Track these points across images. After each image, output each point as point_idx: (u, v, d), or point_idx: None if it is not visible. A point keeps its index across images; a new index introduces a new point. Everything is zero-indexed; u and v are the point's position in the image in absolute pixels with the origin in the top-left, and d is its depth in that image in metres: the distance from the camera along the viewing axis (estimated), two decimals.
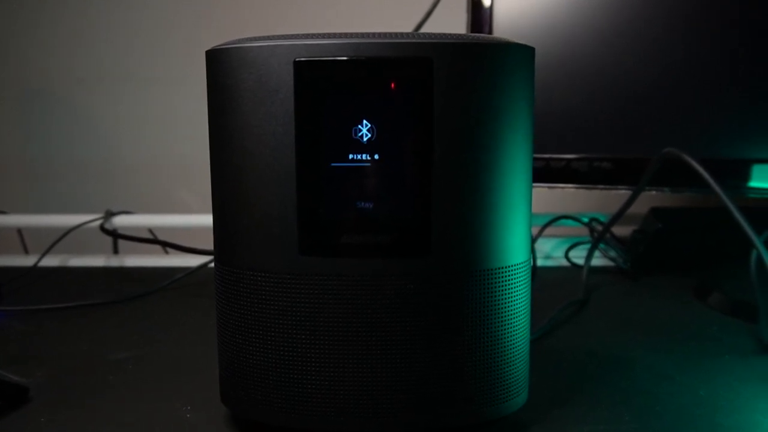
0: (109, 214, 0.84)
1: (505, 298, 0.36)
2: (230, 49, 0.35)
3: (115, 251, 0.88)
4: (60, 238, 0.80)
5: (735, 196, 0.65)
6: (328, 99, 0.34)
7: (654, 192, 0.67)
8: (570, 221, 0.79)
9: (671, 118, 0.66)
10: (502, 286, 0.36)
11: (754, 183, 0.66)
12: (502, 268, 0.36)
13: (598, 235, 0.71)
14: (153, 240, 0.78)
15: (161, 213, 0.90)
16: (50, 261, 0.82)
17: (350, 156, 0.34)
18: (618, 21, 0.67)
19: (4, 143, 1.09)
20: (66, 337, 0.55)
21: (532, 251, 0.72)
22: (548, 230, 0.81)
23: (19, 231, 0.90)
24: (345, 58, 0.33)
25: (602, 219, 0.79)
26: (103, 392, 0.44)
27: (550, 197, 0.93)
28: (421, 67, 0.33)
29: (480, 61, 0.34)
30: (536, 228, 0.79)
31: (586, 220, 0.78)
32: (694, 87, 0.65)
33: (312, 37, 0.34)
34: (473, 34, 0.35)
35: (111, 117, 1.08)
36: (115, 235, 0.79)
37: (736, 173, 0.66)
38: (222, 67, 0.35)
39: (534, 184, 0.70)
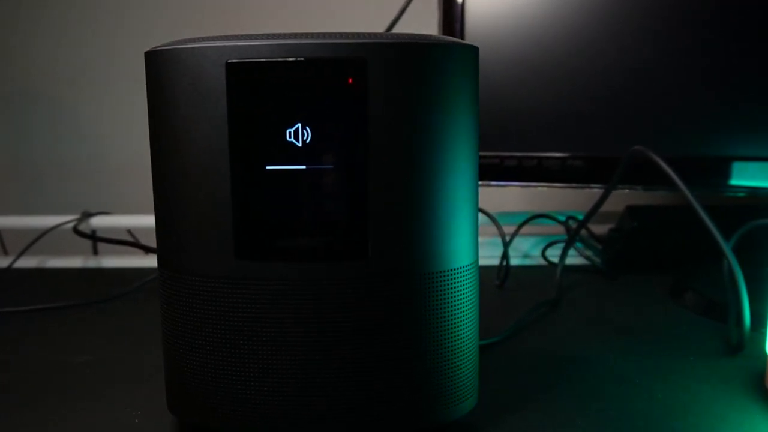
0: (86, 215, 0.84)
1: (450, 302, 0.36)
2: (163, 51, 0.34)
3: (95, 252, 0.88)
4: (36, 240, 0.80)
5: (712, 195, 0.64)
6: (261, 101, 0.33)
7: (627, 191, 0.66)
8: (548, 220, 0.79)
9: (646, 116, 0.65)
10: (447, 289, 0.36)
11: (733, 181, 0.65)
12: (446, 271, 0.36)
13: (572, 233, 0.70)
14: (122, 241, 0.77)
15: (141, 213, 0.90)
16: (28, 262, 0.82)
17: (285, 159, 0.33)
18: (592, 18, 0.66)
19: None
20: (31, 340, 0.55)
21: (504, 251, 0.71)
22: (526, 229, 0.80)
23: None
24: (277, 60, 0.33)
25: (580, 218, 0.78)
26: (58, 397, 0.44)
27: (528, 196, 0.93)
28: (355, 67, 0.32)
29: (416, 61, 0.33)
30: (512, 227, 0.78)
31: (563, 218, 0.77)
32: (670, 84, 0.64)
33: (245, 38, 0.33)
34: (412, 34, 0.34)
35: (95, 117, 1.08)
36: (88, 236, 0.78)
37: (714, 171, 0.65)
38: (157, 69, 0.35)
39: (506, 183, 0.69)
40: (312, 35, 0.33)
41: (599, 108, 0.65)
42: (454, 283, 0.36)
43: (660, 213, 0.73)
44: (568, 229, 0.77)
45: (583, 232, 0.79)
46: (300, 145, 0.33)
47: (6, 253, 0.90)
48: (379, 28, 0.77)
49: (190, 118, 0.34)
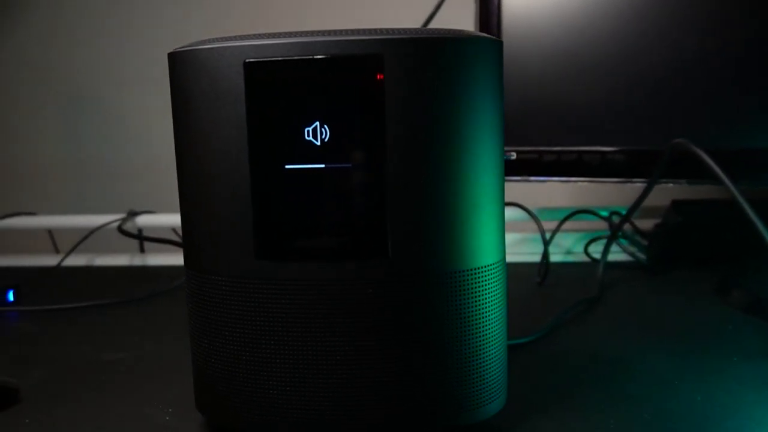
0: (132, 214, 0.85)
1: (475, 301, 0.35)
2: (183, 53, 0.34)
3: (141, 250, 0.90)
4: (84, 238, 0.83)
5: (760, 189, 0.62)
6: (279, 100, 0.33)
7: (671, 185, 0.64)
8: (590, 216, 0.77)
9: (689, 108, 0.63)
10: (471, 288, 0.35)
11: None
12: (470, 270, 0.35)
13: (614, 228, 0.68)
14: (165, 240, 0.79)
15: None
16: (77, 260, 0.84)
17: (303, 158, 0.33)
18: (631, 10, 0.64)
19: (38, 146, 1.13)
20: (70, 338, 0.57)
21: (544, 248, 0.69)
22: (569, 225, 0.79)
23: (50, 231, 0.93)
24: (294, 58, 0.32)
25: (624, 213, 0.76)
26: (92, 393, 0.45)
27: (571, 191, 0.91)
28: (371, 64, 0.32)
29: (434, 56, 0.32)
30: (554, 223, 0.76)
31: (605, 213, 0.75)
32: (714, 75, 0.62)
33: (262, 38, 0.33)
34: (431, 29, 0.33)
35: (142, 118, 1.10)
36: (132, 235, 0.80)
37: (761, 164, 0.62)
38: (178, 70, 0.35)
39: (546, 178, 0.68)
40: (329, 32, 0.33)
41: (641, 100, 0.63)
42: (479, 281, 0.35)
43: (707, 208, 0.70)
44: (611, 225, 0.75)
45: (628, 227, 0.77)
46: (318, 143, 0.33)
47: (57, 251, 0.93)
48: (416, 24, 0.76)
49: (210, 118, 0.34)
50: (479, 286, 0.35)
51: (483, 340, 0.36)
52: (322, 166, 0.33)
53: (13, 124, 1.12)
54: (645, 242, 0.74)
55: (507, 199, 0.77)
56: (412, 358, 0.34)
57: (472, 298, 0.35)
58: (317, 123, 0.33)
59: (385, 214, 0.33)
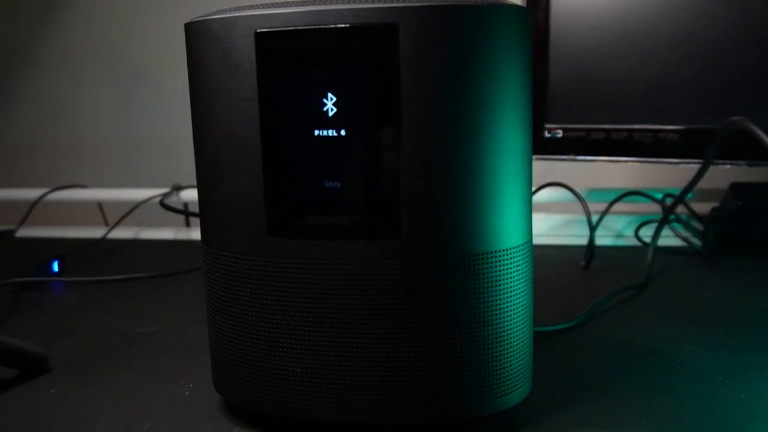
0: (176, 188, 0.86)
1: (496, 286, 0.33)
2: (197, 23, 0.33)
3: (187, 224, 0.91)
4: (129, 212, 0.84)
5: None
6: (291, 72, 0.32)
7: (729, 166, 0.60)
8: (642, 198, 0.73)
9: (747, 84, 0.58)
10: (491, 272, 0.33)
11: None
12: (491, 252, 0.33)
13: (667, 211, 0.64)
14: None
15: None
16: (123, 233, 0.86)
17: (316, 132, 0.32)
18: None
19: (93, 121, 1.15)
20: (106, 310, 0.57)
21: (590, 231, 0.66)
22: (620, 207, 0.75)
23: (99, 204, 0.94)
24: (306, 28, 0.31)
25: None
26: (118, 366, 0.45)
27: (622, 171, 0.87)
28: (386, 34, 0.30)
29: (452, 25, 0.30)
30: (603, 204, 0.73)
31: (659, 196, 0.71)
32: None
33: (273, 6, 0.32)
34: None
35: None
36: (174, 209, 0.81)
37: None
38: (192, 41, 0.34)
39: (594, 158, 0.65)
40: (342, 1, 0.31)
41: (697, 75, 0.59)
42: (501, 265, 0.33)
43: None
44: (663, 208, 0.71)
45: (683, 211, 0.73)
46: (331, 117, 0.32)
47: (107, 224, 0.95)
48: None
49: (222, 90, 0.33)
50: (501, 270, 0.33)
51: (506, 327, 0.34)
52: (333, 139, 0.32)
53: (70, 101, 1.15)
54: (700, 227, 0.70)
55: (552, 179, 0.75)
56: (428, 344, 0.33)
57: (493, 282, 0.33)
58: (330, 95, 0.31)
59: (398, 191, 0.31)
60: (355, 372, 0.33)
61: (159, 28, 1.09)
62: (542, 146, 0.66)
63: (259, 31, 0.31)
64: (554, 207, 0.82)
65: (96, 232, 0.86)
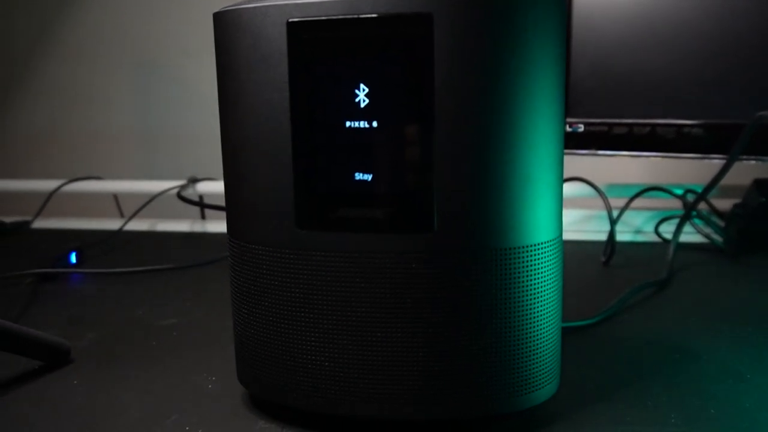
0: (192, 181, 0.86)
1: (526, 281, 0.33)
2: (226, 12, 0.33)
3: (202, 216, 0.91)
4: (145, 204, 0.84)
5: None
6: (323, 62, 0.31)
7: (753, 162, 0.59)
8: (663, 193, 0.72)
9: None
10: (522, 267, 0.33)
11: None
12: (522, 247, 0.32)
13: (689, 207, 0.64)
14: (212, 206, 0.79)
15: None
16: (139, 225, 0.86)
17: (347, 124, 0.31)
18: None
19: (108, 112, 1.15)
20: (126, 301, 0.57)
21: (610, 227, 0.66)
22: (640, 202, 0.74)
23: (115, 196, 0.94)
24: (339, 18, 0.31)
25: (700, 191, 0.71)
26: (141, 358, 0.45)
27: (643, 166, 0.86)
28: (420, 23, 0.30)
29: (487, 15, 0.30)
30: (624, 200, 0.73)
31: (680, 191, 0.71)
32: None
33: None
34: None
35: (208, 86, 1.10)
36: (190, 202, 0.81)
37: None
38: (221, 30, 0.34)
39: (616, 153, 0.64)
40: None
41: (721, 70, 0.58)
42: (532, 260, 0.33)
43: None
44: (685, 204, 0.70)
45: (704, 207, 0.72)
46: (363, 108, 0.31)
47: (122, 215, 0.95)
48: None
49: (252, 80, 0.32)
50: (531, 266, 0.33)
51: (535, 322, 0.34)
52: (366, 131, 0.31)
53: (86, 92, 1.15)
54: (722, 223, 0.69)
55: (573, 174, 0.74)
56: (457, 339, 0.32)
57: (523, 277, 0.33)
58: (362, 86, 0.31)
59: (431, 185, 0.31)
60: (383, 366, 0.33)
61: (175, 19, 1.09)
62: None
63: (291, 20, 0.31)
64: (575, 202, 0.82)
65: (111, 224, 0.86)
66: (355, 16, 0.30)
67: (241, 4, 0.33)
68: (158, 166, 1.15)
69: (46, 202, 0.88)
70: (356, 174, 0.32)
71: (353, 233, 0.32)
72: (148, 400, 0.39)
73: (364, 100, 0.31)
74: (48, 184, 0.90)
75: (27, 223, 0.87)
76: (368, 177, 0.32)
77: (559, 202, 0.34)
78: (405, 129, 0.31)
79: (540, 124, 0.32)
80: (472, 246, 0.32)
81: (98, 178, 0.93)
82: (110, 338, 0.49)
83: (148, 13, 1.10)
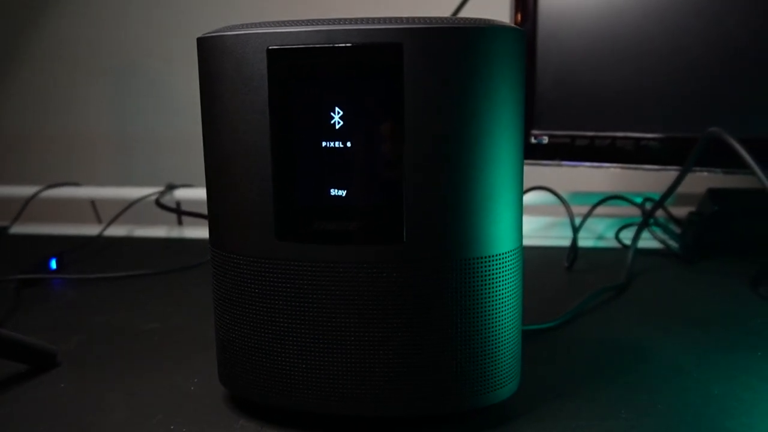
0: (170, 187, 0.88)
1: (489, 288, 0.36)
2: (211, 38, 0.35)
3: (179, 222, 0.93)
4: (123, 210, 0.85)
5: None
6: (300, 86, 0.34)
7: (706, 173, 0.63)
8: (624, 201, 0.76)
9: (727, 95, 0.61)
10: (486, 276, 0.36)
11: None
12: (485, 257, 0.35)
13: (647, 215, 0.67)
14: (193, 213, 0.80)
15: None
16: (117, 231, 0.87)
17: (323, 143, 0.34)
18: None
19: (86, 118, 1.16)
20: (108, 306, 0.59)
21: (573, 233, 0.69)
22: (603, 210, 0.78)
23: (92, 202, 0.96)
24: (315, 46, 0.33)
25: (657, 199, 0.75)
26: (125, 361, 0.47)
27: (605, 176, 0.90)
28: (391, 52, 0.33)
29: (452, 45, 0.33)
30: (587, 208, 0.76)
31: (639, 200, 0.74)
32: (754, 62, 0.60)
33: (286, 25, 0.34)
34: (451, 18, 0.34)
35: (186, 92, 1.12)
36: (168, 208, 0.82)
37: None
38: (205, 55, 0.36)
39: (578, 163, 0.67)
40: (350, 21, 0.33)
41: (677, 86, 0.62)
42: (493, 268, 0.36)
43: (743, 197, 0.69)
44: (644, 211, 0.74)
45: (662, 215, 0.76)
46: (338, 130, 0.34)
47: (100, 221, 0.96)
48: (446, 12, 0.76)
49: (235, 102, 0.35)
50: (493, 274, 0.36)
51: (497, 326, 0.36)
52: (340, 151, 0.34)
53: (63, 97, 1.16)
54: (678, 230, 0.73)
55: (538, 183, 0.77)
56: (425, 342, 0.35)
57: (486, 285, 0.36)
58: (337, 108, 0.34)
59: (401, 200, 0.34)
60: (356, 367, 0.36)
61: (153, 25, 1.10)
62: (529, 152, 0.69)
63: (271, 47, 0.34)
64: (539, 209, 0.85)
65: (89, 230, 0.87)
66: (331, 45, 0.33)
67: (224, 30, 0.35)
68: (135, 171, 1.16)
69: (23, 208, 0.89)
70: (332, 190, 0.34)
71: (329, 244, 0.35)
72: (133, 402, 0.41)
73: (338, 122, 0.34)
74: (25, 190, 0.91)
75: (5, 229, 0.88)
76: (343, 192, 0.34)
77: (519, 215, 0.37)
78: (377, 149, 0.34)
79: (501, 145, 0.35)
80: (439, 256, 0.34)
81: (76, 184, 0.94)
82: (95, 342, 0.50)
83: (125, 18, 1.11)
